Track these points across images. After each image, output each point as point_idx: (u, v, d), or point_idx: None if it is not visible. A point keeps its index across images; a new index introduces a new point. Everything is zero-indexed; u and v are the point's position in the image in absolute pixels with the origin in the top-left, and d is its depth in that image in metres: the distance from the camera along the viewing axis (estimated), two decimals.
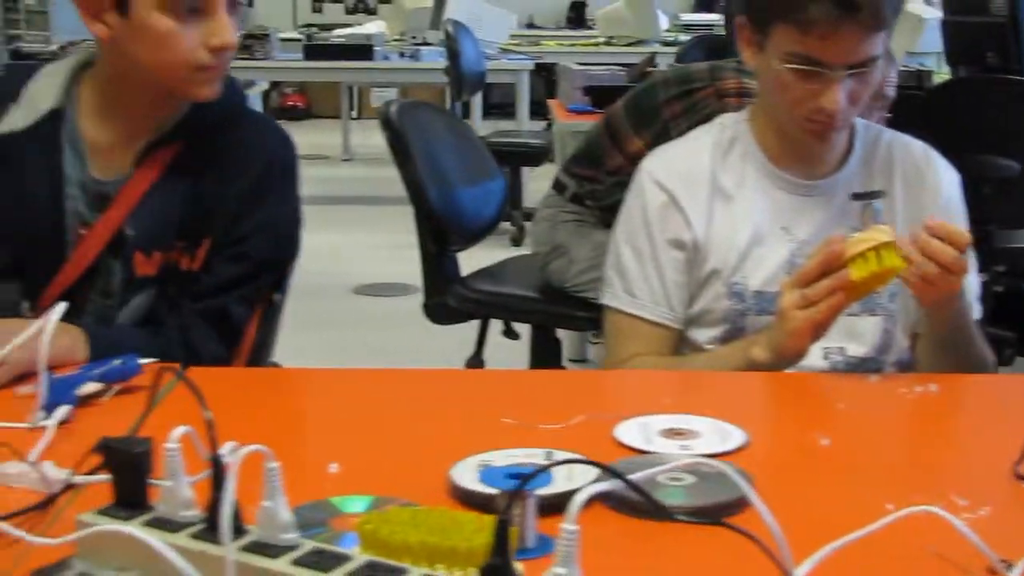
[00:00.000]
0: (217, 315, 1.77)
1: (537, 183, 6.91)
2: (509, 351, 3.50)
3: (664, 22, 8.61)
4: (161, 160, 1.76)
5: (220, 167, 1.77)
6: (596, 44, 8.54)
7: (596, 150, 2.89)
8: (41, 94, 1.78)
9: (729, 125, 1.93)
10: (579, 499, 0.87)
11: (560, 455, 1.21)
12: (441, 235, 3.05)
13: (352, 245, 6.23)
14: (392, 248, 5.97)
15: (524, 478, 0.90)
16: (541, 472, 0.94)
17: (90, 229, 1.76)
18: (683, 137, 1.98)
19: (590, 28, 10.53)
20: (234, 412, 1.01)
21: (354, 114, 9.88)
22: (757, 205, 1.86)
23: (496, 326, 3.50)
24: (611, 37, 8.41)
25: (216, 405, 1.16)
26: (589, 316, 2.92)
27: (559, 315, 3.03)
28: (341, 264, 5.75)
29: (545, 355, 3.17)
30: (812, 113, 1.75)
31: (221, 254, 1.77)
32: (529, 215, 6.37)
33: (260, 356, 1.85)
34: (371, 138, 9.86)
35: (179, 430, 1.00)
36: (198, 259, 1.77)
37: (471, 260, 3.23)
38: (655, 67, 4.65)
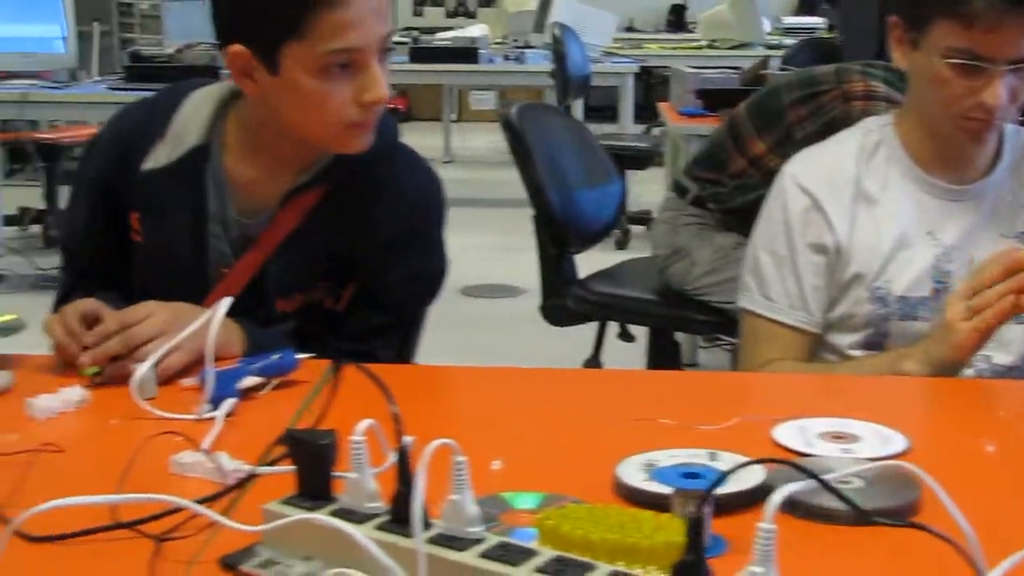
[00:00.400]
0: (363, 359, 1.73)
1: (642, 187, 6.90)
2: (624, 353, 3.50)
3: (767, 25, 8.55)
4: (306, 202, 1.72)
5: (367, 212, 1.72)
6: (698, 47, 8.50)
7: (718, 153, 2.88)
8: (186, 129, 1.73)
9: (874, 129, 1.91)
10: (776, 499, 0.87)
11: (726, 456, 1.21)
12: (560, 237, 3.06)
13: (456, 247, 6.26)
14: (495, 250, 6.00)
15: (719, 478, 0.91)
16: (733, 472, 0.93)
17: (231, 269, 1.74)
18: (826, 141, 1.97)
19: (690, 31, 10.48)
20: (383, 408, 1.03)
21: (453, 116, 9.93)
22: (902, 209, 1.85)
23: (611, 328, 3.51)
24: (714, 40, 8.36)
25: (370, 400, 1.18)
26: (709, 320, 2.92)
27: (679, 318, 3.03)
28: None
29: (663, 358, 3.16)
30: (970, 110, 1.73)
31: (367, 300, 1.75)
32: (634, 219, 6.37)
33: (406, 357, 1.86)
34: (471, 140, 9.95)
35: (364, 423, 1.02)
36: (342, 301, 1.75)
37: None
38: (767, 70, 4.61)
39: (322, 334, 1.74)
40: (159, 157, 1.73)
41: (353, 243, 1.72)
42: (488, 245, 6.07)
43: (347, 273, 1.74)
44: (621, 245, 6.09)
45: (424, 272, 1.80)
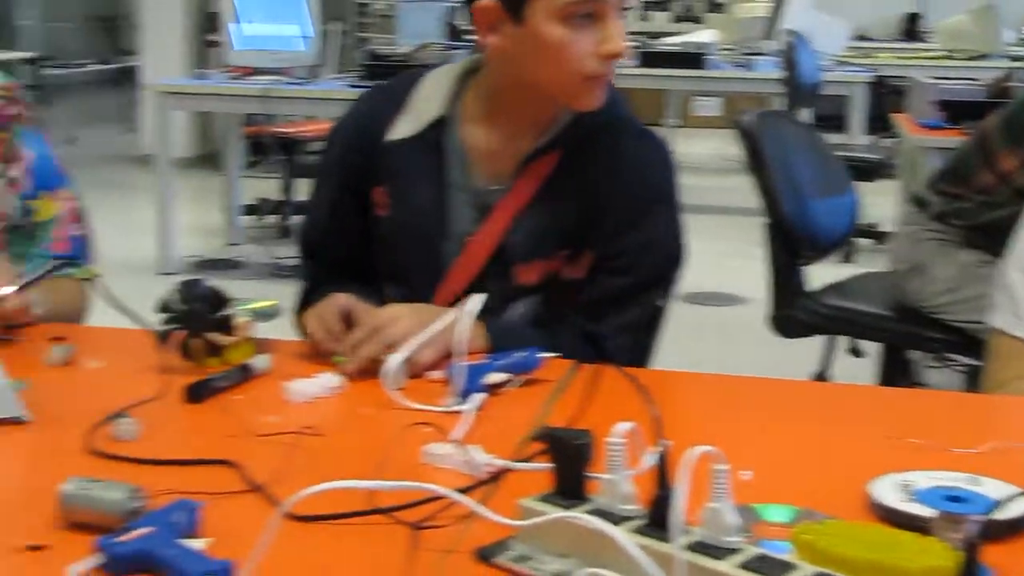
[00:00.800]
0: (595, 345, 1.73)
1: (869, 199, 6.70)
2: (852, 369, 3.41)
3: (1008, 36, 8.22)
4: (542, 169, 1.76)
5: (603, 178, 1.75)
6: (934, 57, 8.22)
7: (965, 167, 2.78)
8: (427, 102, 1.80)
9: None
10: None
11: (989, 481, 1.17)
12: (792, 247, 3.01)
13: None
14: (718, 257, 5.95)
15: (994, 505, 0.87)
16: (1010, 500, 0.90)
17: (473, 238, 1.78)
18: None
19: (923, 41, 10.15)
20: (629, 410, 1.03)
21: (677, 122, 9.85)
22: None
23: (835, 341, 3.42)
24: (951, 50, 8.08)
25: (618, 401, 1.18)
26: (945, 338, 2.82)
27: (914, 335, 2.93)
28: None
29: (896, 376, 3.07)
30: None
31: (604, 267, 1.76)
32: (862, 232, 6.20)
33: (643, 359, 1.86)
34: (693, 147, 9.85)
35: (624, 425, 1.02)
36: (580, 268, 1.77)
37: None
38: (1011, 83, 4.43)
39: (563, 312, 1.76)
40: (402, 129, 1.80)
41: (589, 208, 1.75)
42: (710, 252, 6.01)
43: (584, 240, 1.76)
44: (848, 258, 5.94)
45: (660, 239, 1.80)
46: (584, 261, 1.77)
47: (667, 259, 1.81)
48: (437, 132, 1.78)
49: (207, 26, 8.15)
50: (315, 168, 2.00)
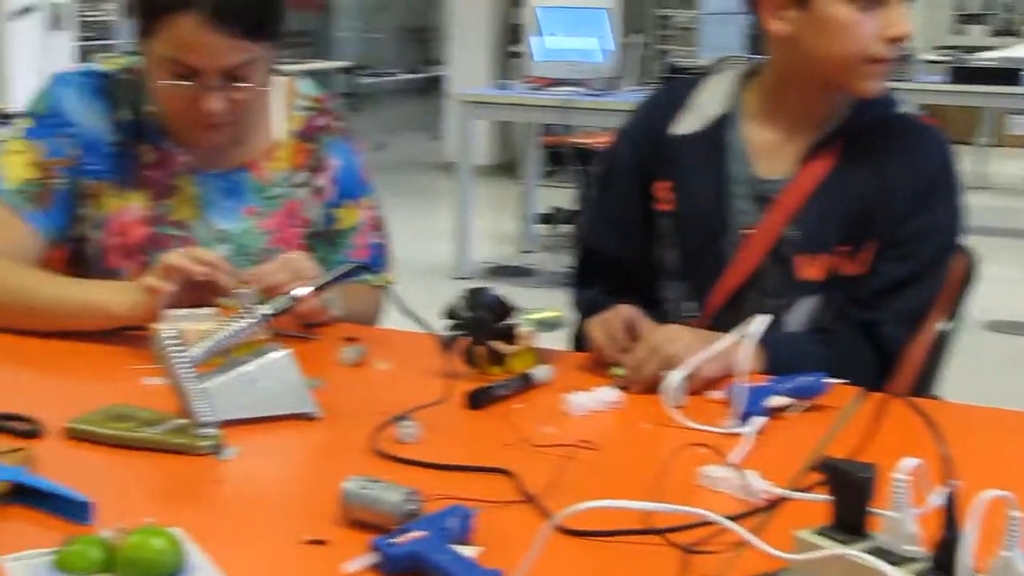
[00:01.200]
0: (869, 329, 1.74)
1: None
2: None
3: None
4: (823, 161, 1.77)
5: (883, 170, 1.75)
6: None
7: None
8: (708, 101, 1.85)
9: None
10: None
11: None
12: None
13: (986, 278, 5.93)
14: None
15: None
16: None
17: (754, 230, 1.78)
18: None
19: None
20: (916, 444, 0.97)
21: (986, 140, 9.37)
22: None
23: None
24: None
25: (906, 435, 1.12)
26: None
27: None
28: (974, 297, 5.49)
29: None
30: None
31: (884, 256, 1.75)
32: None
33: (924, 386, 1.78)
34: (1006, 167, 9.37)
35: (911, 461, 0.97)
36: (861, 262, 1.75)
37: None
38: None
39: (845, 308, 1.76)
40: (686, 125, 1.85)
41: (870, 200, 1.75)
42: (1018, 278, 5.70)
43: (865, 233, 1.75)
44: None
45: (940, 229, 1.79)
46: (865, 256, 1.76)
47: (945, 246, 1.81)
48: (719, 129, 1.83)
49: (511, 38, 8.34)
50: (598, 176, 2.02)
